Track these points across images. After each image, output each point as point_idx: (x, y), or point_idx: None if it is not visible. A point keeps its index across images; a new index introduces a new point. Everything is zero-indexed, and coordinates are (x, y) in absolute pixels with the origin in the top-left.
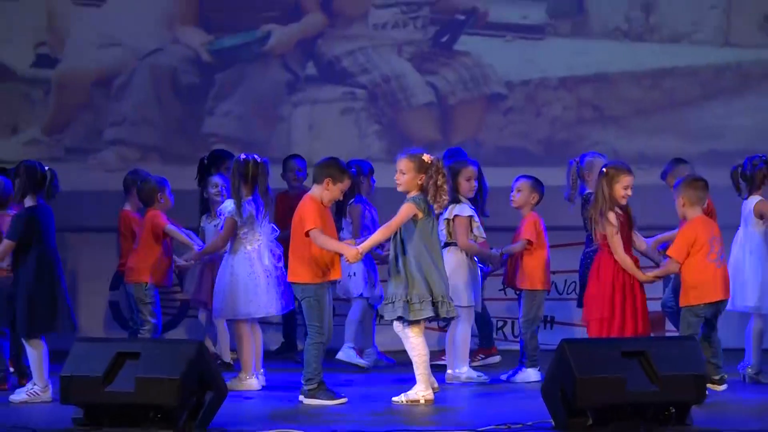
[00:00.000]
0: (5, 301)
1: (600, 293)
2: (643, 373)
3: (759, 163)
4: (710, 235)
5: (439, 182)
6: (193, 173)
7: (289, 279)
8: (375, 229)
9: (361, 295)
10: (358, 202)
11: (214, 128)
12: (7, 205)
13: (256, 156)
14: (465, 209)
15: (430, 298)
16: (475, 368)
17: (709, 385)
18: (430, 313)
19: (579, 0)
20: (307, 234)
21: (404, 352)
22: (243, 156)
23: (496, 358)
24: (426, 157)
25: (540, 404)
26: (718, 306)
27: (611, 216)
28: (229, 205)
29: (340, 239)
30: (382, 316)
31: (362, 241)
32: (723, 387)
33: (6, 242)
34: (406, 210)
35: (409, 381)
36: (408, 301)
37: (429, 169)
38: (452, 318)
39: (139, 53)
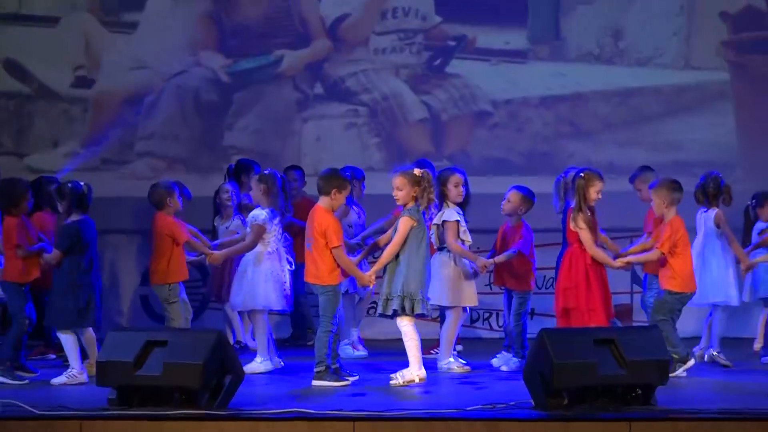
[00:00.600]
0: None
1: (574, 284)
2: (612, 359)
3: (720, 180)
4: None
5: (429, 193)
6: (213, 182)
7: (311, 280)
8: (360, 228)
9: (347, 291)
10: (347, 203)
11: (232, 141)
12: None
13: (276, 171)
14: (453, 214)
15: (411, 292)
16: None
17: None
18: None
19: (556, 28)
20: (330, 248)
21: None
22: (268, 170)
23: (458, 347)
24: (417, 171)
25: (521, 387)
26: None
27: (585, 215)
28: (260, 214)
29: None
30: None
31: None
32: (680, 372)
33: (56, 252)
34: (404, 225)
35: (402, 365)
36: (402, 296)
37: (422, 181)
38: (428, 315)
39: (165, 75)
